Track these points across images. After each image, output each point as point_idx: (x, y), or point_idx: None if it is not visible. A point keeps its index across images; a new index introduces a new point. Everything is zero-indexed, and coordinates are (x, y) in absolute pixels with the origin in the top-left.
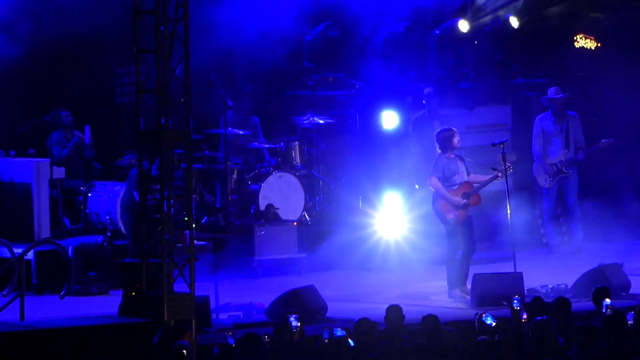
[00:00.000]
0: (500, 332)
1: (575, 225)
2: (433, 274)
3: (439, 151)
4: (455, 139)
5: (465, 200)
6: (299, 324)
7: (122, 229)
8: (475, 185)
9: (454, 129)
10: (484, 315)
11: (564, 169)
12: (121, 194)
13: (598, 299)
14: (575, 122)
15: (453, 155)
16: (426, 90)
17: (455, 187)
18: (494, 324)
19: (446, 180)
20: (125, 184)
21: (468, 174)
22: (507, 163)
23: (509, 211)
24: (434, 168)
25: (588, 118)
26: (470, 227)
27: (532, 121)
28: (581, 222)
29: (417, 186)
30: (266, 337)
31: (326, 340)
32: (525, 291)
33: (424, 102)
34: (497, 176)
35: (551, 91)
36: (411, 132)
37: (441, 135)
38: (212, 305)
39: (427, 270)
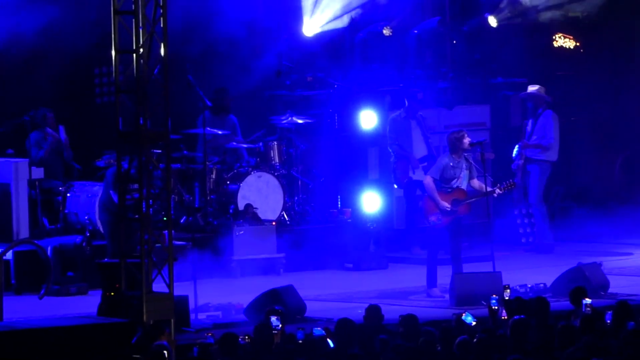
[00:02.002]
0: (480, 331)
1: (539, 224)
2: (412, 273)
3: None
4: (466, 140)
5: (452, 208)
6: (280, 325)
7: (101, 229)
8: (469, 194)
9: (464, 131)
10: (463, 314)
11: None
12: (99, 194)
13: (575, 298)
14: (544, 120)
15: (460, 158)
16: (419, 96)
17: (449, 191)
18: (474, 323)
19: (444, 182)
20: (103, 184)
21: (472, 179)
22: (506, 183)
23: (488, 210)
24: (434, 168)
25: (567, 117)
26: (455, 231)
27: (511, 120)
28: (546, 221)
29: (395, 186)
30: (246, 337)
31: (300, 341)
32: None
33: (406, 102)
34: (495, 191)
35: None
36: (388, 132)
37: (452, 136)
38: (191, 305)
39: (406, 269)
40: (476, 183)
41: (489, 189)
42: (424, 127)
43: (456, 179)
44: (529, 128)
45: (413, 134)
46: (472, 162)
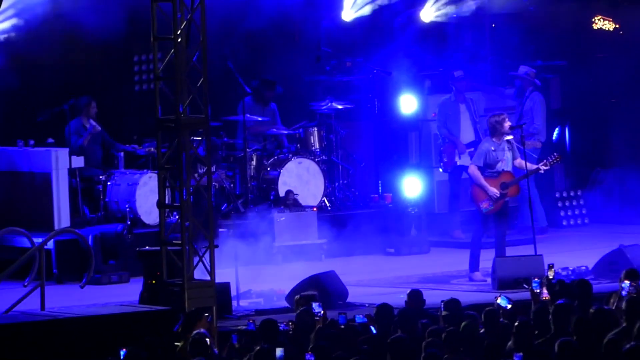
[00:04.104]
0: (521, 314)
1: (535, 206)
2: (454, 258)
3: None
4: (506, 124)
5: (502, 192)
6: (322, 311)
7: (143, 218)
8: (515, 175)
9: (504, 114)
10: (499, 297)
11: None
12: None
13: (626, 280)
14: (532, 105)
15: (501, 141)
16: (456, 74)
17: (495, 175)
18: (509, 306)
19: (488, 167)
20: None
21: (515, 159)
22: (551, 157)
23: (529, 194)
24: (476, 156)
25: (607, 99)
26: (505, 216)
27: (551, 103)
28: (539, 203)
29: (440, 170)
30: (290, 323)
31: (342, 326)
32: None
33: (452, 86)
34: (540, 168)
35: (519, 68)
36: (437, 115)
37: (493, 119)
38: (233, 292)
39: (447, 254)
40: (521, 163)
41: (534, 166)
42: (473, 111)
43: (500, 162)
44: (515, 107)
45: (462, 118)
46: (514, 142)
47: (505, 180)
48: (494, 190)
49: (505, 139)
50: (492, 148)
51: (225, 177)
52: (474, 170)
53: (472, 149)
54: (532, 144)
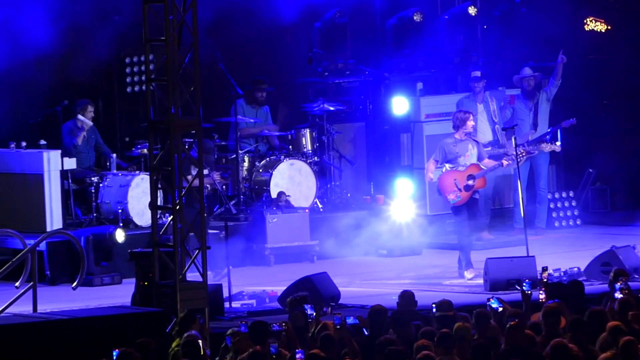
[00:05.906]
0: (513, 316)
1: (540, 207)
2: (446, 259)
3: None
4: (469, 123)
5: (468, 183)
6: (314, 313)
7: (135, 219)
8: (483, 168)
9: (470, 113)
10: (491, 299)
11: (530, 149)
12: None
13: (615, 281)
14: (547, 108)
15: (464, 138)
16: (474, 74)
17: (462, 169)
18: (500, 308)
19: (452, 162)
20: None
21: (481, 160)
22: (519, 148)
23: (520, 195)
24: (435, 151)
25: (599, 101)
26: (474, 209)
27: None
28: (547, 205)
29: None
30: (284, 324)
31: (338, 327)
32: (538, 275)
33: (473, 85)
34: (502, 164)
35: (523, 70)
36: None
37: (458, 114)
38: (225, 293)
39: (439, 255)
40: (488, 162)
41: (496, 162)
42: (491, 111)
43: (462, 157)
44: (521, 109)
45: (479, 118)
46: (479, 142)
47: (473, 173)
48: (430, 176)
49: (471, 138)
50: (451, 140)
51: (220, 179)
52: (428, 164)
53: (489, 148)
54: (552, 147)
